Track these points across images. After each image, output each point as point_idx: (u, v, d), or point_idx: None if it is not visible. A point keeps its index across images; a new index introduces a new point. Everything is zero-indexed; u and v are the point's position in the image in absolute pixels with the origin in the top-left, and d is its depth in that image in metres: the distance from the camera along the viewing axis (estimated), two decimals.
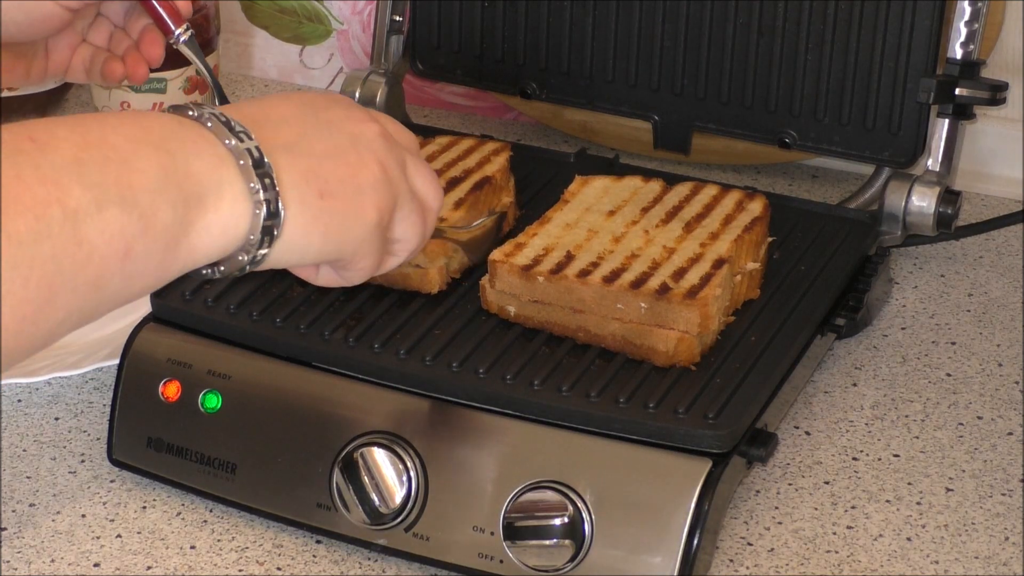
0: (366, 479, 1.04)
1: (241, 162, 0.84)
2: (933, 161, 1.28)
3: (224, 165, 0.84)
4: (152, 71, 1.45)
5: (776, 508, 1.11)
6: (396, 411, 1.06)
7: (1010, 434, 1.17)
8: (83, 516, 1.10)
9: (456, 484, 1.04)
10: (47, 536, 1.09)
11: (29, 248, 0.75)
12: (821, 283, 1.18)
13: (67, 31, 1.13)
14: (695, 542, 1.00)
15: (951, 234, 1.32)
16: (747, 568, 1.06)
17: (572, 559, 1.01)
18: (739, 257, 1.13)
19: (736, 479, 1.06)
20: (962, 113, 1.27)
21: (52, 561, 1.07)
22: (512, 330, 1.10)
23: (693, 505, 1.00)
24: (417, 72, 1.43)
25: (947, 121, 1.27)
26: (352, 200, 0.89)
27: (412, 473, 1.04)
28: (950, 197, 1.27)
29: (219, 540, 1.08)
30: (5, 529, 1.09)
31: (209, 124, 0.85)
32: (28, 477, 1.14)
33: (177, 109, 0.86)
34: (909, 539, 1.08)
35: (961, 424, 1.18)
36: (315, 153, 0.89)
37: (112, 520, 1.10)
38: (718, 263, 1.11)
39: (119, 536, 1.09)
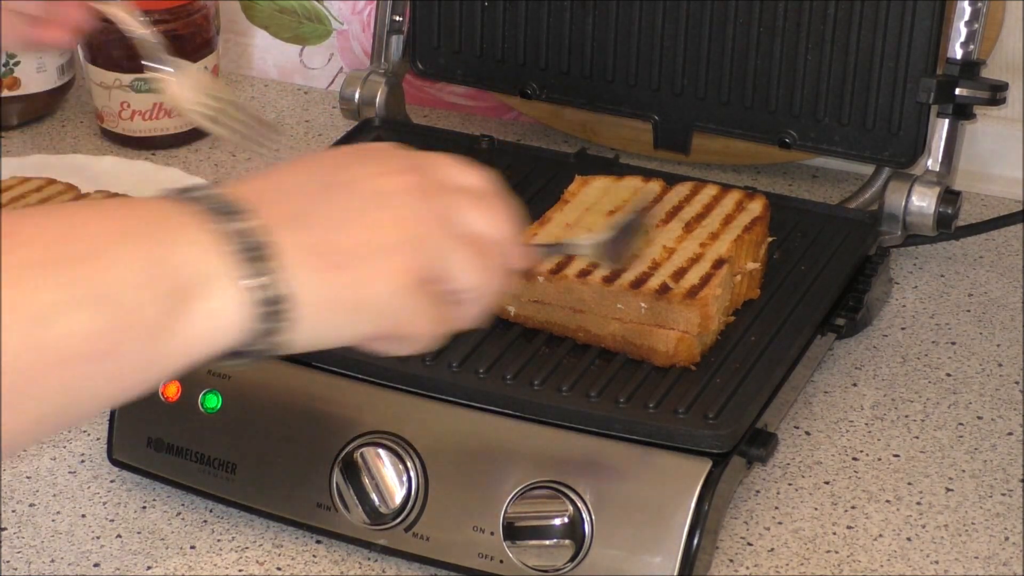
0: (366, 479, 1.04)
1: (232, 247, 0.76)
2: (933, 161, 1.28)
3: (213, 252, 0.76)
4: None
5: (776, 508, 1.11)
6: (396, 411, 1.06)
7: (1010, 434, 1.17)
8: (83, 516, 1.10)
9: (456, 484, 1.04)
10: (47, 536, 1.09)
11: None
12: (821, 283, 1.18)
13: None
14: (695, 542, 1.00)
15: (951, 234, 1.32)
16: (747, 568, 1.06)
17: (572, 559, 1.01)
18: (739, 257, 1.13)
19: (736, 479, 1.06)
20: (962, 113, 1.27)
21: (52, 561, 1.07)
22: (512, 330, 1.11)
23: (693, 505, 1.00)
24: (417, 72, 1.43)
25: (947, 121, 1.27)
26: (371, 266, 0.80)
27: (412, 473, 1.04)
28: (950, 197, 1.27)
29: (219, 540, 1.08)
30: (5, 529, 1.09)
31: (201, 206, 0.77)
32: (28, 477, 1.14)
33: (171, 192, 0.78)
34: (909, 539, 1.08)
35: (961, 424, 1.18)
36: (324, 224, 0.80)
37: (112, 520, 1.10)
38: (718, 263, 1.11)
39: (119, 536, 1.09)
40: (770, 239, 1.19)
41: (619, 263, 1.00)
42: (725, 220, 1.17)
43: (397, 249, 0.81)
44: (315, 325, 0.79)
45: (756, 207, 1.19)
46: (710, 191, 1.21)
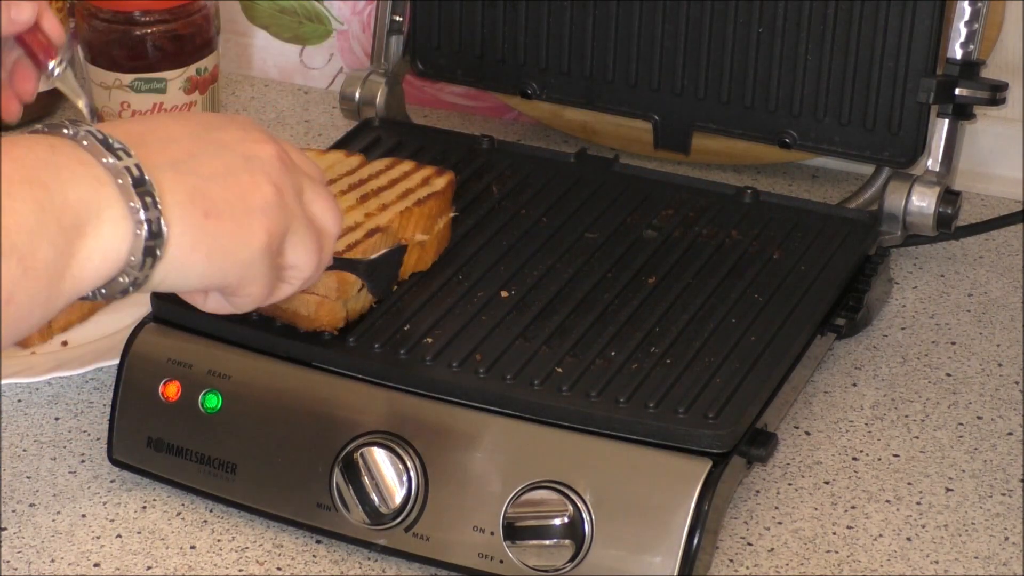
0: (366, 479, 1.04)
1: (120, 181, 0.81)
2: (933, 161, 1.28)
3: (102, 186, 0.81)
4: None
5: (776, 508, 1.11)
6: (396, 411, 1.06)
7: (1010, 434, 1.17)
8: (83, 516, 1.10)
9: (456, 484, 1.04)
10: (47, 536, 1.09)
11: None
12: (821, 283, 1.18)
13: None
14: (695, 542, 1.00)
15: (951, 234, 1.32)
16: (747, 568, 1.06)
17: (572, 559, 1.01)
18: (406, 228, 1.13)
19: (736, 479, 1.06)
20: (962, 113, 1.27)
21: (52, 561, 1.07)
22: (512, 330, 1.11)
23: (693, 505, 1.00)
24: (417, 72, 1.43)
25: (947, 121, 1.27)
26: (239, 221, 0.87)
27: (412, 473, 1.04)
28: (950, 197, 1.27)
29: (219, 540, 1.08)
30: (5, 529, 1.09)
31: (85, 143, 0.82)
32: (28, 477, 1.14)
33: (52, 128, 0.83)
34: (909, 539, 1.08)
35: (961, 424, 1.18)
36: (203, 173, 0.86)
37: (112, 520, 1.10)
38: (372, 232, 1.11)
39: (119, 536, 1.09)
40: (453, 214, 1.19)
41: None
42: (403, 194, 1.16)
43: (265, 211, 0.87)
44: (173, 265, 0.84)
45: (440, 183, 1.19)
46: (403, 167, 1.21)
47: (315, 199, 0.93)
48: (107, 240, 0.81)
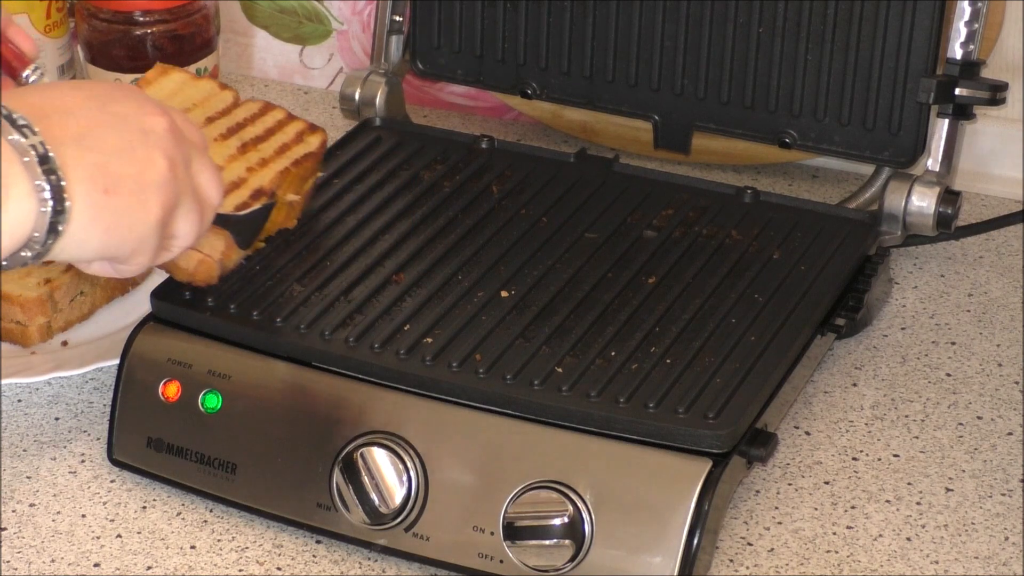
0: (366, 479, 1.04)
1: (26, 159, 0.83)
2: (933, 161, 1.28)
3: (9, 164, 0.83)
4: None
5: (776, 508, 1.11)
6: (396, 411, 1.06)
7: (1010, 434, 1.17)
8: (83, 516, 1.10)
9: (456, 484, 1.04)
10: (47, 536, 1.09)
11: None
12: (821, 283, 1.18)
13: None
14: (695, 542, 1.00)
15: (951, 234, 1.32)
16: (747, 568, 1.06)
17: (572, 559, 1.01)
18: (283, 189, 1.14)
19: (736, 479, 1.06)
20: (962, 113, 1.27)
21: (52, 561, 1.07)
22: (511, 330, 1.10)
23: (693, 505, 1.00)
24: (417, 72, 1.43)
25: (947, 121, 1.27)
26: (137, 197, 0.89)
27: (412, 473, 1.04)
28: (950, 197, 1.27)
29: (219, 540, 1.08)
30: (5, 529, 1.09)
31: None
32: (28, 477, 1.14)
33: None
34: (909, 539, 1.08)
35: (961, 424, 1.18)
36: (104, 148, 0.88)
37: (112, 520, 1.10)
38: (257, 193, 1.11)
39: (119, 536, 1.09)
40: (319, 174, 1.21)
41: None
42: (280, 149, 1.17)
43: (160, 186, 0.90)
44: (72, 239, 0.87)
45: (314, 141, 1.20)
46: (277, 115, 1.21)
47: (201, 170, 0.95)
48: (13, 216, 0.84)
